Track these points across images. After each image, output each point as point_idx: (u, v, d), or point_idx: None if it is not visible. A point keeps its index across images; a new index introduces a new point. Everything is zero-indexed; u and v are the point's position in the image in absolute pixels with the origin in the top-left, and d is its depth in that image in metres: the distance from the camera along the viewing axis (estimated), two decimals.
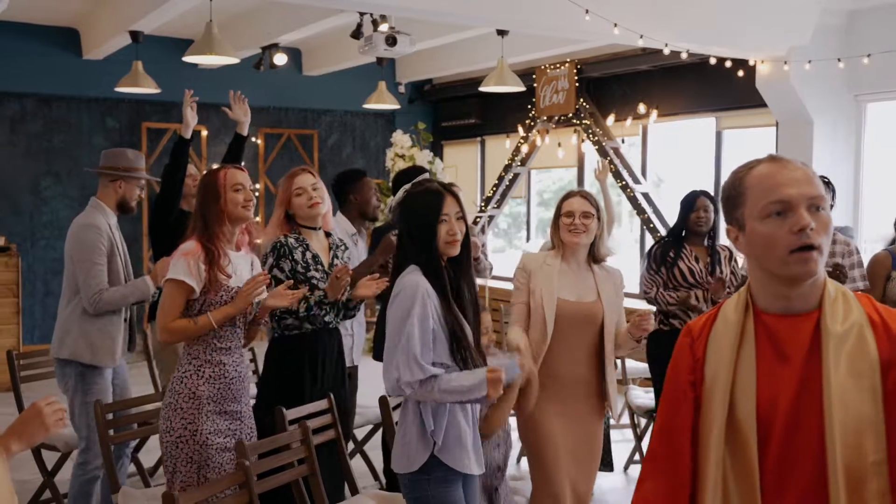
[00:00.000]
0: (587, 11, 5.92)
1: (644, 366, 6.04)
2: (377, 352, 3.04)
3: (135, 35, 8.12)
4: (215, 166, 3.73)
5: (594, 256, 3.90)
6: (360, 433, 5.56)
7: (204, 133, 10.52)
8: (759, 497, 1.69)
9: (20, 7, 8.46)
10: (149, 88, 8.21)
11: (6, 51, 9.35)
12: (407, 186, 3.05)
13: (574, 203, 3.87)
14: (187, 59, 6.91)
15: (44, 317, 9.64)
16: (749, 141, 8.62)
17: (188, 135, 4.91)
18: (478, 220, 10.70)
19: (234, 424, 3.51)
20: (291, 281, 3.77)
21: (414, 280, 2.90)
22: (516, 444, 5.92)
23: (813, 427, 1.67)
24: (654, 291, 5.25)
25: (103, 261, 4.31)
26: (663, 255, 5.26)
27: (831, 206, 4.39)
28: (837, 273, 4.67)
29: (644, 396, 5.88)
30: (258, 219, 10.00)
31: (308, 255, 3.96)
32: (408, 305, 2.85)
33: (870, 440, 1.64)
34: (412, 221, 2.99)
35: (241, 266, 3.61)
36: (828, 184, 4.48)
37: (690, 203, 5.29)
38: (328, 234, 4.16)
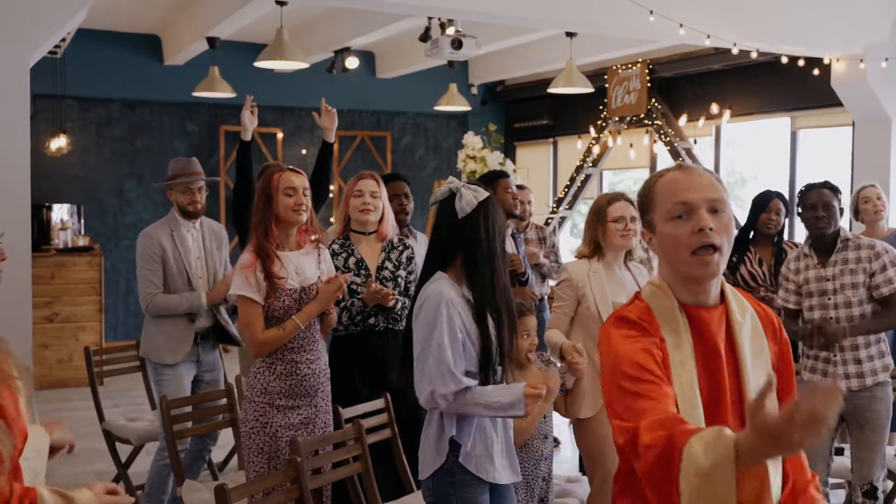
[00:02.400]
0: (651, 12, 5.88)
1: None
2: (403, 363, 2.99)
3: (211, 41, 8.36)
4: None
5: (629, 255, 3.93)
6: None
7: (279, 135, 10.75)
8: None
9: (106, 16, 8.80)
10: (224, 93, 8.44)
11: (93, 58, 9.72)
12: (468, 195, 2.93)
13: (624, 208, 3.89)
14: (259, 64, 7.09)
15: (126, 314, 10.00)
16: (825, 141, 8.44)
17: (247, 137, 5.05)
18: (549, 221, 10.69)
19: (308, 418, 3.62)
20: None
21: (437, 288, 2.85)
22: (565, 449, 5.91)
23: (734, 401, 1.92)
24: None
25: (154, 267, 4.58)
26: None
27: (840, 211, 4.27)
28: (822, 332, 4.09)
29: None
30: (332, 219, 10.17)
31: (351, 260, 4.03)
32: (433, 315, 2.81)
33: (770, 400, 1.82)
34: (489, 233, 2.90)
35: (307, 264, 3.68)
36: (834, 189, 4.36)
37: (763, 203, 5.21)
38: (382, 239, 4.20)
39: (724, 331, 1.95)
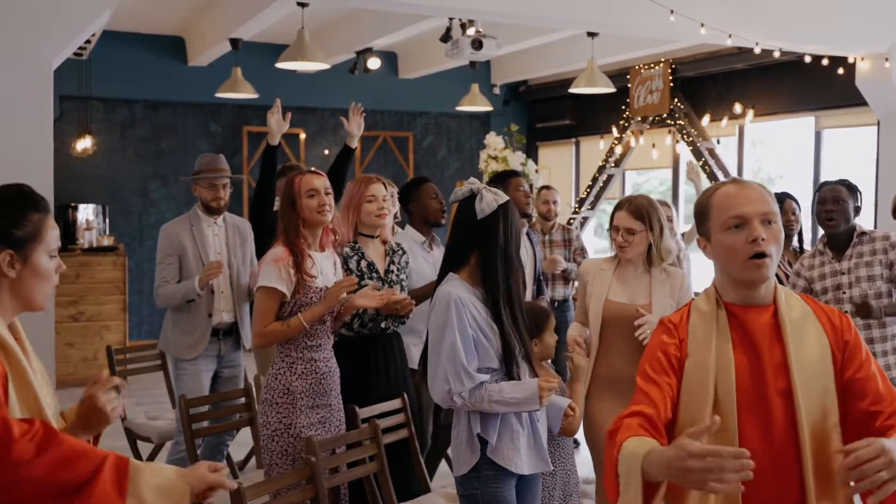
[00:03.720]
0: (672, 12, 5.85)
1: None
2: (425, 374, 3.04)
3: (234, 42, 8.41)
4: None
5: (651, 261, 3.87)
6: None
7: (302, 136, 10.80)
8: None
9: (130, 18, 8.88)
10: (247, 94, 8.50)
11: (117, 60, 9.81)
12: (489, 196, 2.95)
13: (618, 218, 3.86)
14: (280, 65, 7.13)
15: (150, 313, 10.08)
16: (850, 140, 8.35)
17: (275, 142, 5.03)
18: (571, 221, 10.67)
19: (325, 417, 3.65)
20: (379, 283, 3.91)
21: (446, 290, 2.91)
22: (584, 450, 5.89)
23: (781, 396, 2.02)
24: None
25: (170, 260, 4.67)
26: None
27: (857, 209, 4.27)
28: (864, 309, 4.13)
29: None
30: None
31: (363, 263, 4.05)
32: (444, 316, 2.87)
33: (828, 407, 2.03)
34: (507, 235, 2.96)
35: (326, 266, 3.74)
36: (850, 187, 4.33)
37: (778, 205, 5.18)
38: (385, 241, 4.23)
39: (772, 330, 2.06)
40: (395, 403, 3.99)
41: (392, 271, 4.12)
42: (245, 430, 4.90)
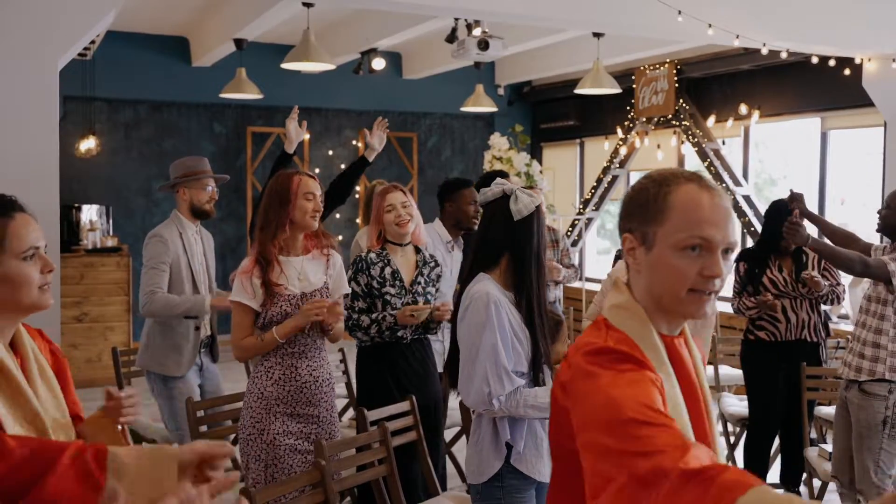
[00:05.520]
0: (679, 12, 5.83)
1: (739, 372, 5.92)
2: (452, 377, 2.96)
3: (239, 42, 8.39)
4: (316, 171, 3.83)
5: None
6: (447, 434, 5.60)
7: (306, 137, 10.77)
8: None
9: (134, 18, 8.86)
10: (252, 94, 8.48)
11: (121, 60, 9.79)
12: (525, 198, 2.91)
13: None
14: (286, 65, 7.11)
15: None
16: (856, 142, 8.32)
17: (292, 149, 4.96)
18: (576, 222, 10.65)
19: (308, 428, 3.56)
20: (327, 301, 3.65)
21: (483, 289, 2.84)
22: None
23: (706, 436, 1.74)
24: (737, 301, 5.20)
25: (164, 267, 4.41)
26: (749, 271, 5.18)
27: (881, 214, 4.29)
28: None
29: (738, 404, 5.76)
30: (358, 219, 10.19)
31: (387, 270, 4.00)
32: (482, 315, 2.80)
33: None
34: (540, 238, 2.93)
35: (312, 269, 3.64)
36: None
37: (785, 212, 5.17)
38: (419, 250, 4.17)
39: (690, 362, 1.76)
40: (403, 405, 3.96)
41: (419, 283, 4.08)
42: None
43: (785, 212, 4.88)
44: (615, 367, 1.56)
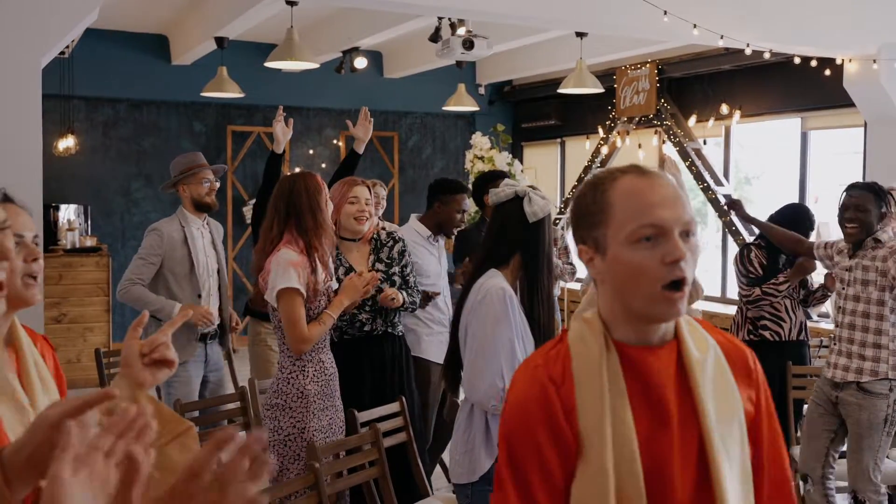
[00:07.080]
0: (665, 13, 5.84)
1: None
2: (453, 381, 2.95)
3: (220, 41, 8.33)
4: (298, 170, 3.85)
5: None
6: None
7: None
8: None
9: (113, 16, 8.77)
10: (233, 93, 8.42)
11: (100, 58, 9.69)
12: (540, 200, 2.92)
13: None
14: (269, 64, 7.07)
15: (133, 315, 9.87)
16: (836, 142, 8.39)
17: (280, 150, 4.99)
18: (557, 221, 10.66)
19: (333, 418, 3.64)
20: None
21: (498, 284, 2.83)
22: None
23: (695, 467, 1.52)
24: (756, 292, 5.14)
25: (153, 260, 4.54)
26: (770, 256, 5.15)
27: (882, 215, 4.17)
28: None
29: None
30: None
31: (340, 270, 4.01)
32: (500, 310, 2.77)
33: (746, 473, 1.54)
34: (551, 240, 2.94)
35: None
36: (878, 193, 4.25)
37: (810, 220, 5.26)
38: (372, 240, 4.19)
39: (675, 374, 1.54)
40: (393, 406, 3.95)
41: (377, 270, 4.05)
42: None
43: (804, 217, 5.15)
44: (531, 390, 1.57)
